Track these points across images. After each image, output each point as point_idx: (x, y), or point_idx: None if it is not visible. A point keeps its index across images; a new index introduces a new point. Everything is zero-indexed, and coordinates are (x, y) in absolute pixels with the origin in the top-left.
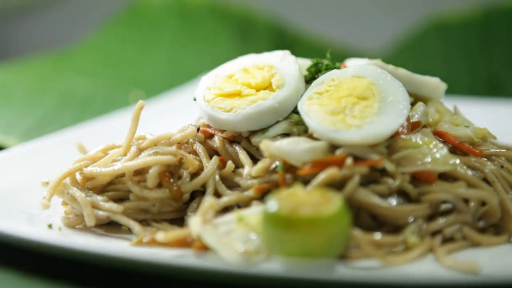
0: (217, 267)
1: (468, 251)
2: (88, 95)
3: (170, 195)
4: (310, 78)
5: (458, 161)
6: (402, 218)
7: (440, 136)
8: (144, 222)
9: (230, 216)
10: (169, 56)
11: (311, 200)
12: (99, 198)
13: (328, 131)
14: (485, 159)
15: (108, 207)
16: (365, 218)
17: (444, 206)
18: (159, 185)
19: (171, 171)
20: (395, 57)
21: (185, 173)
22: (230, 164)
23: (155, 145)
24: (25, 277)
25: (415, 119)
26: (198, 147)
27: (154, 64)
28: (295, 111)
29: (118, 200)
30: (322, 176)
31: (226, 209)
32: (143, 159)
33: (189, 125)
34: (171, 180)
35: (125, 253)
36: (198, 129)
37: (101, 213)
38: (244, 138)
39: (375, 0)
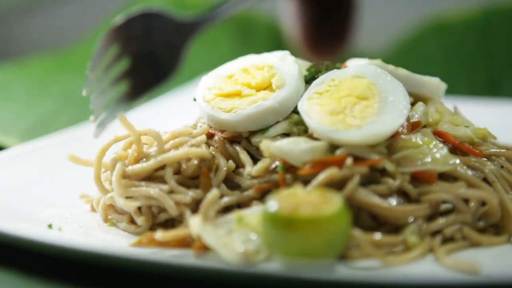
0: (217, 267)
1: (468, 251)
2: (88, 95)
3: (202, 191)
4: (310, 78)
5: (458, 161)
6: (402, 218)
7: (440, 136)
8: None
9: (230, 216)
10: None
11: (311, 200)
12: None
13: (328, 131)
14: (485, 159)
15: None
16: (365, 218)
17: (444, 206)
18: (194, 178)
19: (208, 166)
20: (395, 57)
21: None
22: (231, 164)
23: (177, 138)
24: (25, 277)
25: (415, 119)
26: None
27: None
28: (295, 111)
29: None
30: (322, 176)
31: (226, 209)
32: (186, 150)
33: (199, 118)
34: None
35: (125, 253)
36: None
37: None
38: (244, 138)
39: (375, 0)
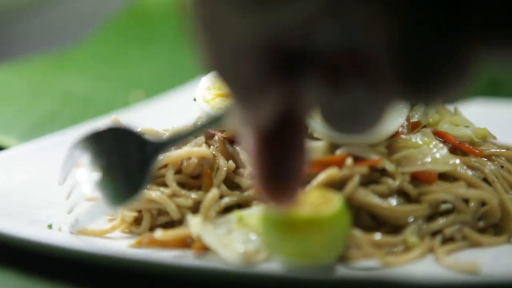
0: (217, 267)
1: (468, 251)
2: (88, 95)
3: (204, 192)
4: None
5: (458, 161)
6: (402, 218)
7: (440, 136)
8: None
9: (230, 216)
10: (169, 56)
11: (311, 200)
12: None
13: (328, 131)
14: (485, 159)
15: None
16: (365, 218)
17: (444, 206)
18: (196, 178)
19: (210, 166)
20: None
21: None
22: (231, 164)
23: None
24: (25, 277)
25: (415, 119)
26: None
27: (154, 64)
28: None
29: None
30: (322, 176)
31: (226, 209)
32: (188, 149)
33: (199, 118)
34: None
35: (125, 253)
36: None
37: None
38: None
39: None
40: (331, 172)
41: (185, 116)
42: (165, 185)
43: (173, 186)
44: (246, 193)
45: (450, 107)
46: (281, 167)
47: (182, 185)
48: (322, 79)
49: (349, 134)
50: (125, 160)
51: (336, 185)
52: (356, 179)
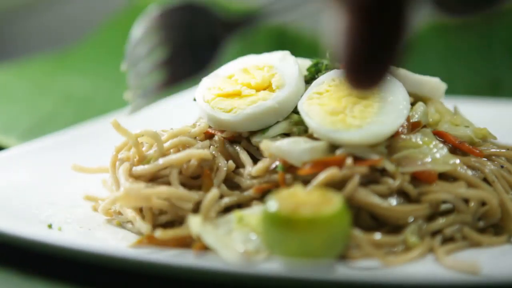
0: (217, 267)
1: (468, 251)
2: (88, 95)
3: (205, 192)
4: (310, 78)
5: (458, 161)
6: (402, 218)
7: (440, 136)
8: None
9: (230, 216)
10: None
11: (311, 200)
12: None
13: (328, 131)
14: (485, 159)
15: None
16: (365, 218)
17: (444, 206)
18: (196, 178)
19: (210, 167)
20: None
21: None
22: (231, 164)
23: (175, 137)
24: (25, 277)
25: (415, 119)
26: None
27: None
28: (295, 111)
29: None
30: (322, 176)
31: (226, 209)
32: (188, 152)
33: (199, 118)
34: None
35: (125, 253)
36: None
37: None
38: (244, 138)
39: None
40: (331, 172)
41: (185, 116)
42: (169, 183)
43: (178, 187)
44: (246, 193)
45: (450, 107)
46: (377, 47)
47: (182, 185)
48: None
49: (461, 14)
50: (196, 37)
51: (336, 185)
52: (356, 179)
